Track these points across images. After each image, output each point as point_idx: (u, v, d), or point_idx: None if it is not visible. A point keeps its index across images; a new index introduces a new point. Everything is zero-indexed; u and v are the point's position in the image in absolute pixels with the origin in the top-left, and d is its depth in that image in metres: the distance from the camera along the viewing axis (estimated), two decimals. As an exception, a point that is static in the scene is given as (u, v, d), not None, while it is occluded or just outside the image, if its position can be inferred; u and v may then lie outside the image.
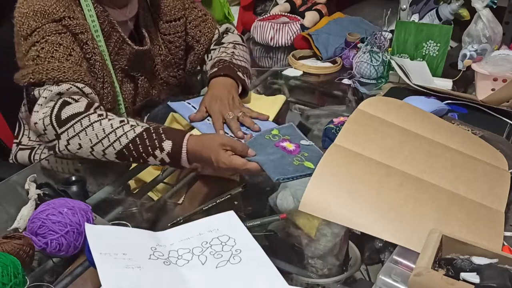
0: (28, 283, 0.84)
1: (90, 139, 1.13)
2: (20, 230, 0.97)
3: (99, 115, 1.15)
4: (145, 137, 1.12)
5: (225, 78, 1.37)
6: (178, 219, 1.03)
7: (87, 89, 1.20)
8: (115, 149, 1.13)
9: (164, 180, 1.22)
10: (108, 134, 1.13)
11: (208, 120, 1.29)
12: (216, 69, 1.40)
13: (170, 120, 1.34)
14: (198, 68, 1.60)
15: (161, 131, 1.13)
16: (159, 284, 0.84)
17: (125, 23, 1.36)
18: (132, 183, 1.23)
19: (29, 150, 1.39)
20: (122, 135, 1.12)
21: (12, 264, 0.81)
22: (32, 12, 1.20)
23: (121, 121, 1.14)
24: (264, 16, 2.09)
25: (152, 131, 1.13)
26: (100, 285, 0.80)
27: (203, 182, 1.23)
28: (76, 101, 1.17)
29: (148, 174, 1.24)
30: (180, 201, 1.17)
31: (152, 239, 0.95)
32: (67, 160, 1.27)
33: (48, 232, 0.89)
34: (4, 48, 1.28)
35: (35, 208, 0.96)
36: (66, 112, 1.15)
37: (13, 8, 1.24)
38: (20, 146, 1.43)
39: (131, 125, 1.14)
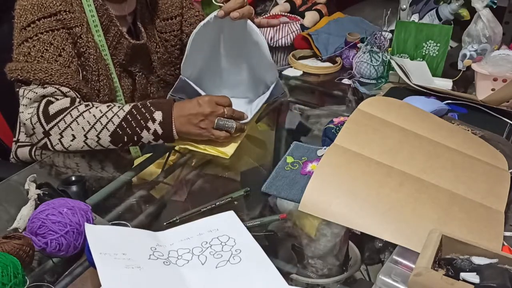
0: (28, 283, 0.84)
1: (82, 127, 1.17)
2: (20, 230, 0.96)
3: (86, 105, 1.20)
4: (135, 112, 1.18)
5: None
6: (175, 218, 1.03)
7: (71, 94, 1.23)
8: (108, 131, 1.17)
9: (164, 180, 1.22)
10: (100, 118, 1.18)
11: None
12: None
13: None
14: None
15: (149, 104, 1.20)
16: (159, 284, 0.84)
17: (123, 17, 1.38)
18: (132, 182, 1.22)
19: (29, 147, 1.39)
20: (113, 116, 1.18)
21: (12, 264, 0.81)
22: (30, 5, 1.22)
23: (108, 106, 1.20)
24: (264, 16, 2.09)
25: (140, 106, 1.20)
26: (100, 285, 0.79)
27: (204, 182, 1.23)
28: (59, 99, 1.20)
29: (148, 173, 1.24)
30: (181, 201, 1.17)
31: (152, 239, 0.95)
32: (68, 158, 1.27)
33: (48, 232, 0.89)
34: (4, 48, 1.28)
35: (35, 208, 0.96)
36: (54, 108, 1.18)
37: (13, 8, 1.25)
38: (18, 144, 1.43)
39: (119, 106, 1.20)
